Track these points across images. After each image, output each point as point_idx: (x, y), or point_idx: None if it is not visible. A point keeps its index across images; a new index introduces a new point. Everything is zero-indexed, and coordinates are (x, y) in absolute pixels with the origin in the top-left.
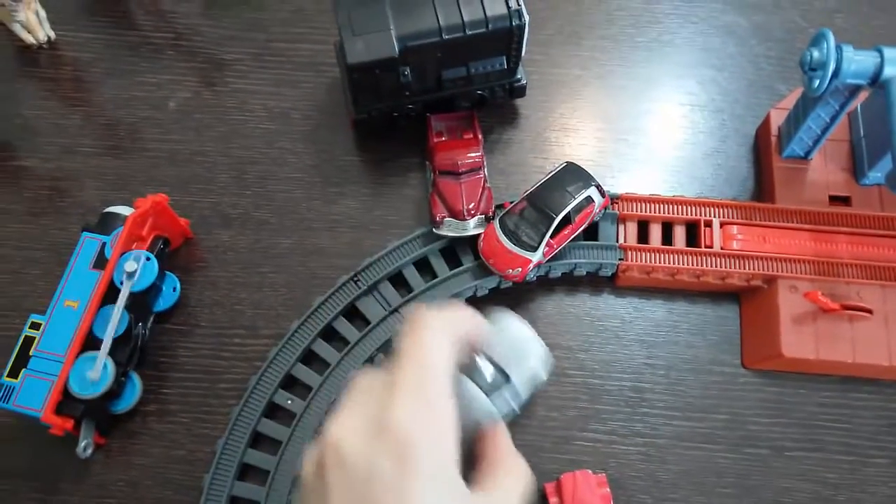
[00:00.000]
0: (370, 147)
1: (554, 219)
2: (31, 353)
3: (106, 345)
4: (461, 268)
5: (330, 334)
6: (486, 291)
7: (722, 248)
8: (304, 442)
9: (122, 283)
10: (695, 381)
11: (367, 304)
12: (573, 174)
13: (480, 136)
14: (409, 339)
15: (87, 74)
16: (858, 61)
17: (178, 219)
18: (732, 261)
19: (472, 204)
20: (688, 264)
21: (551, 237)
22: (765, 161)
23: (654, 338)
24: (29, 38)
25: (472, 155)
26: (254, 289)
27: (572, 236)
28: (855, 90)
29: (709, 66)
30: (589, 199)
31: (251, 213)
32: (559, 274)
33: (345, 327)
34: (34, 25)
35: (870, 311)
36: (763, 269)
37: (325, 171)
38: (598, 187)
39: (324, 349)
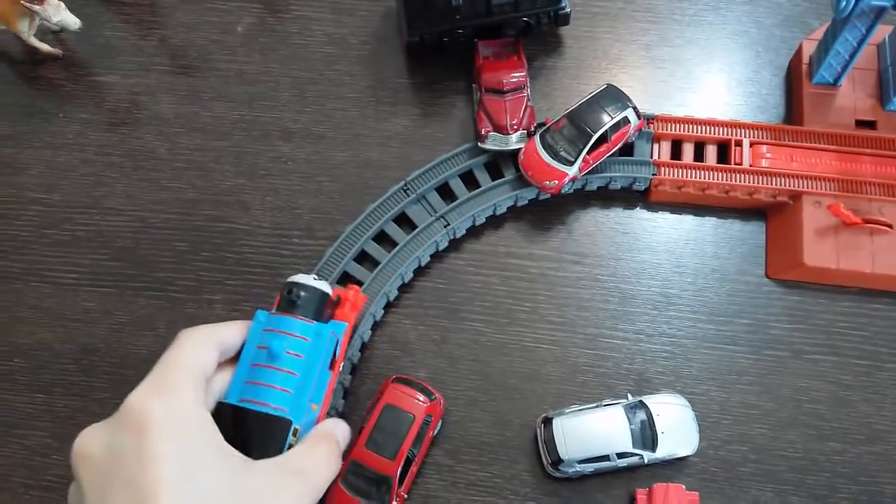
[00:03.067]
0: (421, 70)
1: (591, 135)
2: None
3: None
4: (502, 179)
5: (380, 237)
6: (526, 202)
7: (751, 166)
8: (355, 330)
9: None
10: (720, 289)
11: (415, 211)
12: (612, 96)
13: (524, 60)
14: (167, 350)
15: (162, 0)
16: None
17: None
18: (760, 177)
19: (515, 120)
20: (718, 180)
21: (588, 153)
22: (795, 88)
23: (683, 249)
24: None
25: (516, 75)
26: (311, 195)
27: (608, 154)
28: (880, 12)
29: (746, 1)
30: (626, 120)
31: (310, 128)
32: (595, 187)
33: (394, 230)
34: None
35: (890, 226)
36: (789, 186)
37: (379, 92)
38: (635, 109)
39: (374, 249)
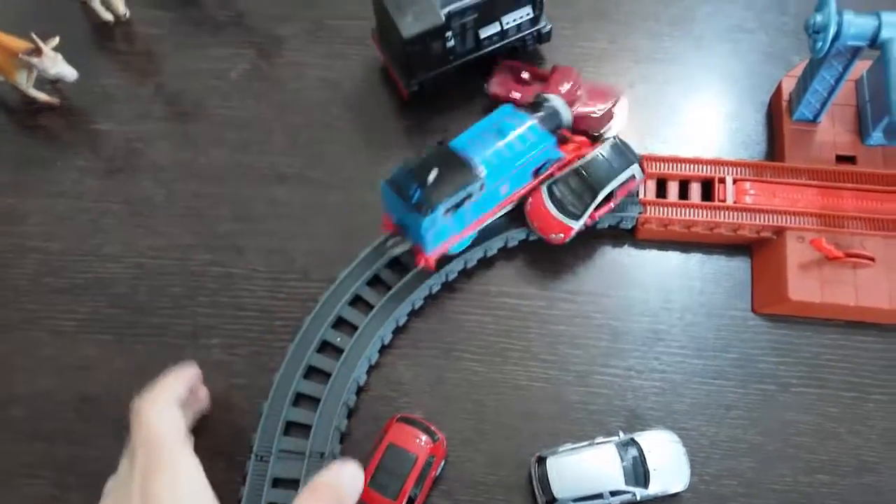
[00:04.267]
0: (411, 112)
1: (598, 193)
2: None
3: None
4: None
5: (374, 280)
6: (516, 243)
7: (735, 203)
8: (351, 374)
9: None
10: (708, 324)
11: (407, 256)
12: (620, 151)
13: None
14: (135, 423)
15: (157, 48)
16: (858, 24)
17: None
18: (744, 214)
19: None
20: (702, 217)
21: (595, 209)
22: (777, 124)
23: (671, 285)
24: (107, 16)
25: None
26: (306, 239)
27: (612, 209)
28: (856, 51)
29: (727, 39)
30: (632, 177)
31: (305, 172)
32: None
33: (387, 274)
34: (115, 0)
35: (872, 259)
36: (772, 222)
37: (372, 134)
38: (641, 164)
39: (369, 293)
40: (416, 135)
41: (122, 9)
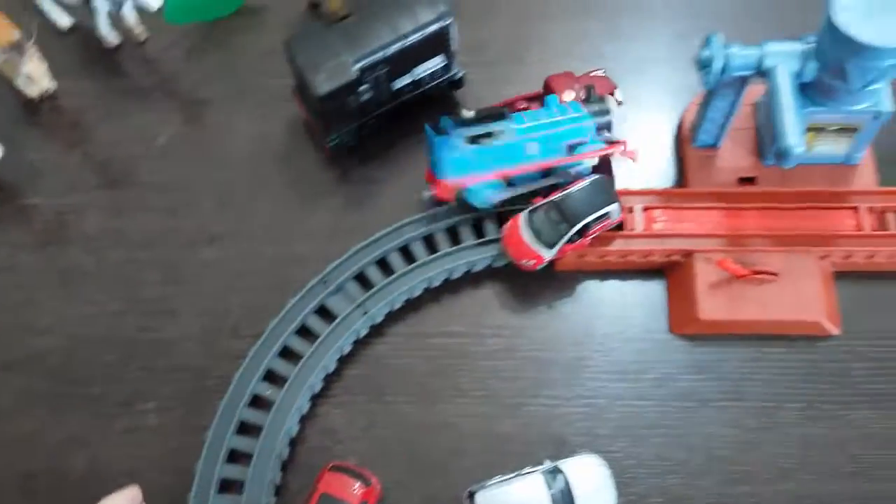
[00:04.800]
0: (337, 163)
1: (574, 226)
2: None
3: None
4: (416, 263)
5: (303, 330)
6: (440, 282)
7: (644, 231)
8: (282, 426)
9: None
10: (628, 348)
11: (334, 301)
12: (601, 188)
13: None
14: None
15: (84, 119)
16: (742, 55)
17: None
18: (654, 241)
19: None
20: (615, 247)
21: (568, 241)
22: (681, 151)
23: (591, 313)
24: (32, 91)
25: None
26: (238, 294)
27: (587, 244)
28: (744, 80)
29: (636, 70)
30: (608, 215)
31: (235, 229)
32: (504, 263)
33: (315, 322)
34: (39, 75)
35: (775, 274)
36: (681, 246)
37: (299, 187)
38: (620, 204)
39: (297, 343)
40: (343, 184)
41: (46, 83)
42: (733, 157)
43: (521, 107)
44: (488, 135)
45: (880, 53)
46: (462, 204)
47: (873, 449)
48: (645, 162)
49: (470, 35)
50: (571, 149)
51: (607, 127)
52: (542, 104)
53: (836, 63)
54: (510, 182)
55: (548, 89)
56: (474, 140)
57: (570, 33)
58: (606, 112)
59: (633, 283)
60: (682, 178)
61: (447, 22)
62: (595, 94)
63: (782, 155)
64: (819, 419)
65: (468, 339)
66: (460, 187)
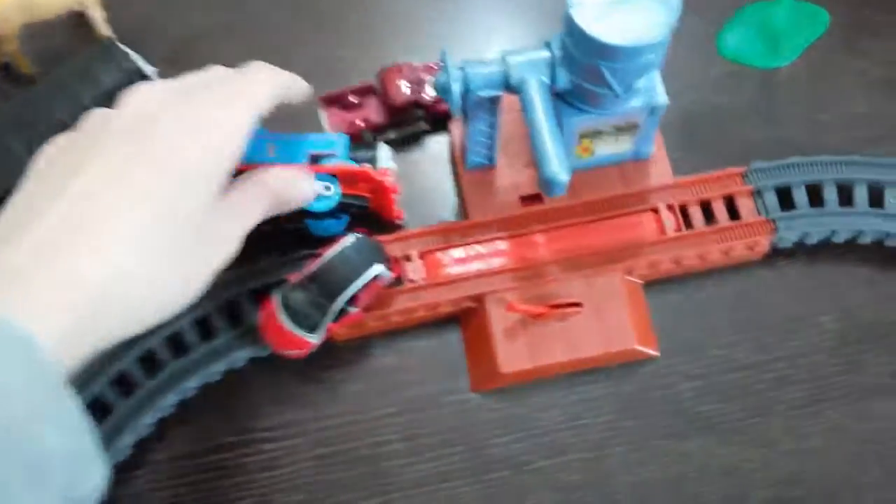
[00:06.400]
0: None
1: (336, 300)
2: None
3: None
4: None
5: None
6: (193, 393)
7: (425, 279)
8: None
9: None
10: (427, 419)
11: None
12: (361, 248)
13: None
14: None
15: None
16: (483, 75)
17: None
18: (440, 290)
19: None
20: (396, 306)
21: (332, 321)
22: (457, 178)
23: (381, 385)
24: None
25: None
26: None
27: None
28: (495, 99)
29: None
30: (375, 278)
31: None
32: (268, 353)
33: None
34: None
35: (579, 304)
36: (470, 290)
37: None
38: (388, 261)
39: None
40: None
41: None
42: (511, 172)
43: (351, 101)
44: None
45: (629, 52)
46: None
47: (712, 483)
48: (425, 194)
49: None
50: (316, 159)
51: (371, 161)
52: (378, 99)
53: (588, 68)
54: None
55: (382, 84)
56: None
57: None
58: (372, 155)
59: (428, 340)
60: (462, 209)
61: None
62: (369, 136)
63: (547, 185)
64: (650, 460)
65: (242, 450)
66: None
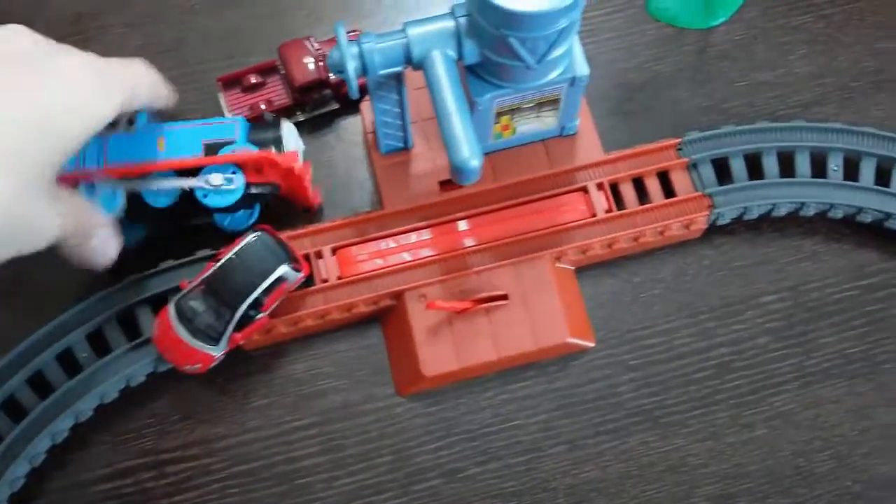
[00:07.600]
0: None
1: (238, 309)
2: None
3: None
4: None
5: None
6: (90, 414)
7: (340, 278)
8: None
9: None
10: (350, 429)
11: None
12: (261, 249)
13: None
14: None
15: None
16: (382, 50)
17: None
18: (355, 288)
19: None
20: (309, 307)
21: (236, 330)
22: (371, 163)
23: (298, 396)
24: None
25: None
26: None
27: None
28: (399, 76)
29: None
30: (280, 280)
31: None
32: (168, 367)
33: None
34: None
35: (505, 297)
36: (388, 287)
37: None
38: (295, 260)
39: None
40: None
41: None
42: (428, 156)
43: (252, 82)
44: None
45: (538, 20)
46: None
47: (655, 480)
48: (338, 182)
49: None
50: (212, 148)
51: (275, 143)
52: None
53: (496, 38)
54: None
55: (283, 61)
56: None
57: None
58: (277, 135)
59: (348, 343)
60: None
61: None
62: (270, 117)
63: (458, 172)
64: (589, 460)
65: (141, 476)
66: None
